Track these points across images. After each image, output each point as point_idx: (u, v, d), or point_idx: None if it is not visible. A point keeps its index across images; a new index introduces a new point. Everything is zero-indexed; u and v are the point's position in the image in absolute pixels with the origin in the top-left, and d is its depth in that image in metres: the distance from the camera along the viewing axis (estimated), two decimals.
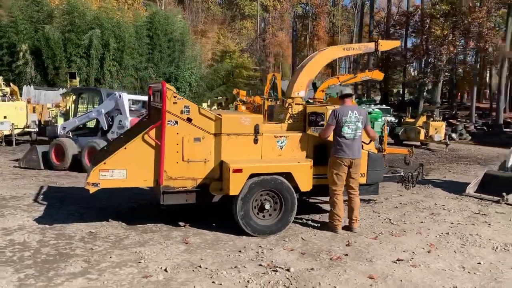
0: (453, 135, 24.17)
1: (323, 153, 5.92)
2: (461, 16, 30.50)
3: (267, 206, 5.43)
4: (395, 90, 57.13)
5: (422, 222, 6.40)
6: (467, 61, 41.02)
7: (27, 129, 15.79)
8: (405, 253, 5.02)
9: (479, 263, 4.80)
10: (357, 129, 5.64)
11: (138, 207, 6.83)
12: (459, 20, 30.86)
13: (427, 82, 36.99)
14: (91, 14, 25.40)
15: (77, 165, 10.33)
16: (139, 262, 4.45)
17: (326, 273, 4.32)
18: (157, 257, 4.62)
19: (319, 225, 6.02)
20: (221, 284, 3.99)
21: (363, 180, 6.06)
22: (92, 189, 5.08)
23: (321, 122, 6.01)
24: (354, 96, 5.76)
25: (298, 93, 6.38)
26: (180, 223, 5.83)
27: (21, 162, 10.63)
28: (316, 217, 6.48)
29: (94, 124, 11.01)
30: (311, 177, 5.62)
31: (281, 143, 5.75)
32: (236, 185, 5.21)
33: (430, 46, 34.40)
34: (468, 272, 4.52)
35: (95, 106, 10.97)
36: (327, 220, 6.07)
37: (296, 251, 4.95)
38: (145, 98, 11.68)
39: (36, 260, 4.41)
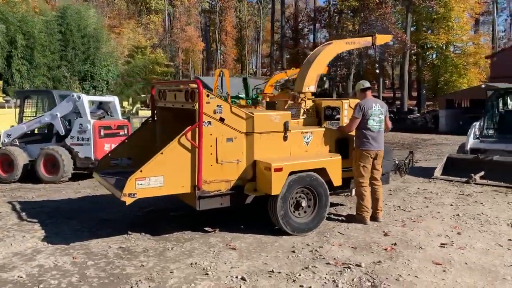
0: None
1: (344, 147, 5.98)
2: (369, 12, 32.59)
3: (303, 204, 5.35)
4: None
5: (427, 207, 6.77)
6: (370, 54, 43.96)
7: None
8: (441, 237, 5.27)
9: (510, 239, 5.19)
10: (381, 121, 5.78)
11: (143, 215, 6.36)
12: (367, 15, 32.94)
13: (338, 74, 39.02)
14: None
15: (29, 176, 9.29)
16: (206, 274, 4.14)
17: (395, 265, 4.39)
18: (218, 266, 4.34)
19: (343, 218, 6.09)
20: (310, 287, 3.86)
21: None
22: (128, 200, 4.60)
23: (337, 116, 6.08)
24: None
25: (308, 88, 6.35)
26: (207, 229, 5.52)
27: None
28: (331, 209, 6.53)
29: (45, 129, 9.95)
30: (341, 171, 5.65)
31: (307, 138, 5.69)
32: (277, 184, 5.06)
33: None
34: (509, 249, 4.88)
35: (45, 110, 9.90)
36: (350, 212, 6.21)
37: (345, 246, 4.95)
38: (103, 98, 10.82)
39: (92, 285, 3.89)
